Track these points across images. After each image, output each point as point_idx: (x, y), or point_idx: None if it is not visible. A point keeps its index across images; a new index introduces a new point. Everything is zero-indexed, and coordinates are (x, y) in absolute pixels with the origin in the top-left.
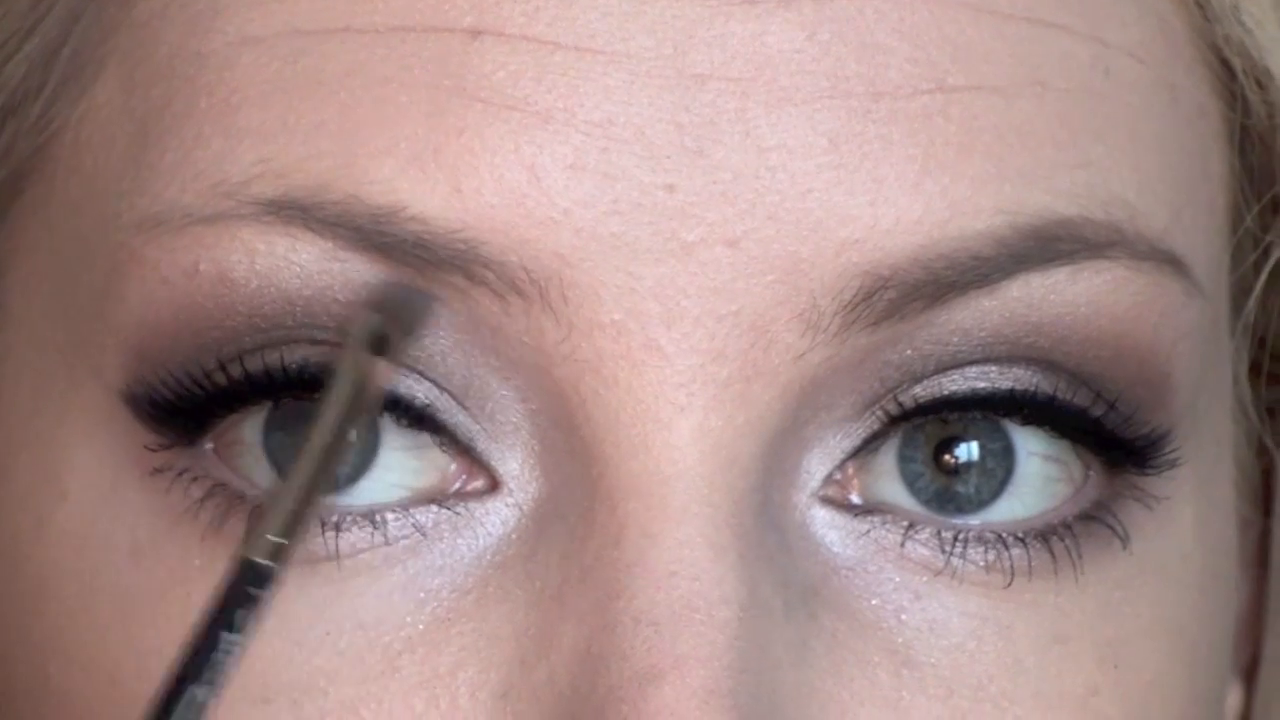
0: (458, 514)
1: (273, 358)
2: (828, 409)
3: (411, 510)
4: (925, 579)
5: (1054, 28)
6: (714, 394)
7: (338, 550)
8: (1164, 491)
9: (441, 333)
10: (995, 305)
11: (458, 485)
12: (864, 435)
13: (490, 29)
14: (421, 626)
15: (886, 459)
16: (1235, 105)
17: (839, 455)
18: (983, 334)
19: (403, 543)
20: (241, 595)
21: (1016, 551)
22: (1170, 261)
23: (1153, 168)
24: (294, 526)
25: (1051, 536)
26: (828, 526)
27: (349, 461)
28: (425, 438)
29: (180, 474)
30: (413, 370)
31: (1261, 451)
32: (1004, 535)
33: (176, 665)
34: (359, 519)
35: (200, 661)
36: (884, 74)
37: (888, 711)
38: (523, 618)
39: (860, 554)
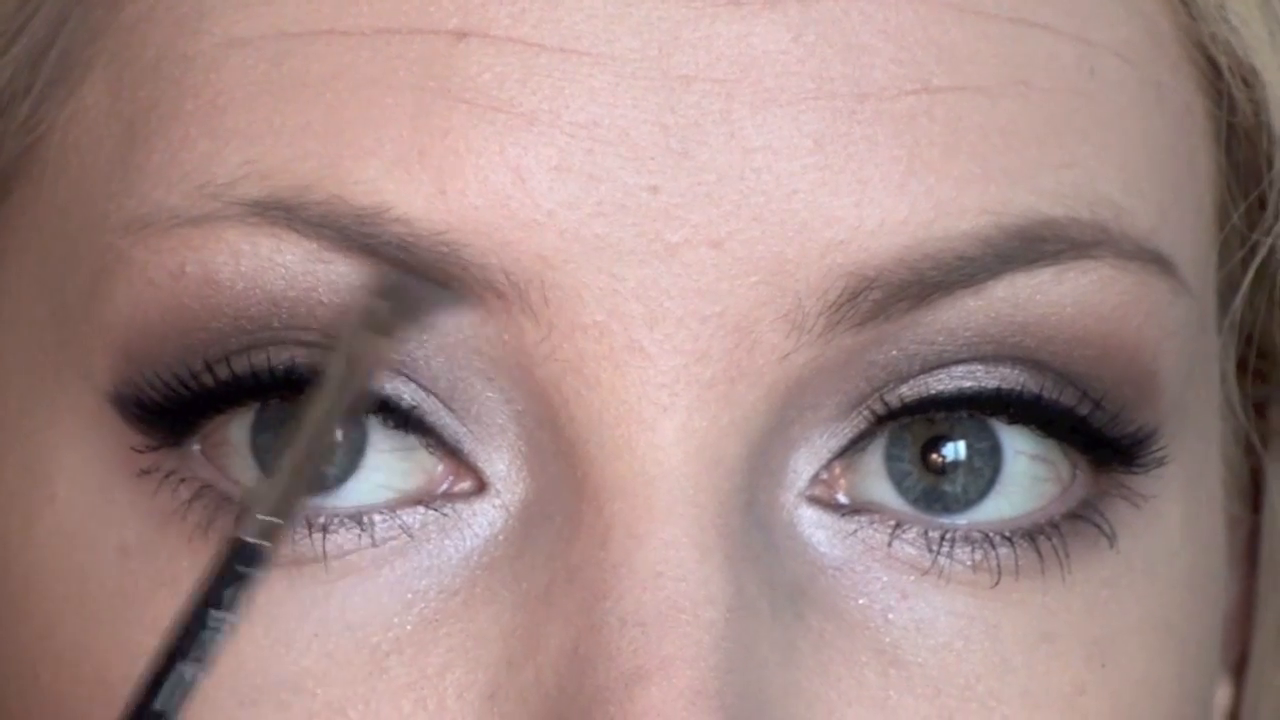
0: (445, 515)
1: (259, 359)
2: (813, 409)
3: (399, 512)
4: (912, 578)
5: (1039, 27)
6: (698, 394)
7: (325, 552)
8: (1151, 490)
9: (426, 335)
10: (981, 305)
11: (445, 487)
12: (851, 435)
13: (475, 31)
14: (409, 628)
15: (873, 458)
16: (1221, 103)
17: (825, 455)
18: (968, 334)
19: (390, 544)
20: (232, 573)
21: (1004, 551)
22: (1157, 261)
23: (1139, 167)
24: (286, 506)
25: (1039, 536)
26: (815, 526)
27: (342, 445)
28: (412, 439)
29: (168, 475)
30: (399, 373)
31: (1250, 448)
32: (991, 535)
33: (165, 642)
34: (346, 521)
35: (189, 639)
36: (869, 75)
37: (875, 711)
38: (510, 619)
39: (847, 554)
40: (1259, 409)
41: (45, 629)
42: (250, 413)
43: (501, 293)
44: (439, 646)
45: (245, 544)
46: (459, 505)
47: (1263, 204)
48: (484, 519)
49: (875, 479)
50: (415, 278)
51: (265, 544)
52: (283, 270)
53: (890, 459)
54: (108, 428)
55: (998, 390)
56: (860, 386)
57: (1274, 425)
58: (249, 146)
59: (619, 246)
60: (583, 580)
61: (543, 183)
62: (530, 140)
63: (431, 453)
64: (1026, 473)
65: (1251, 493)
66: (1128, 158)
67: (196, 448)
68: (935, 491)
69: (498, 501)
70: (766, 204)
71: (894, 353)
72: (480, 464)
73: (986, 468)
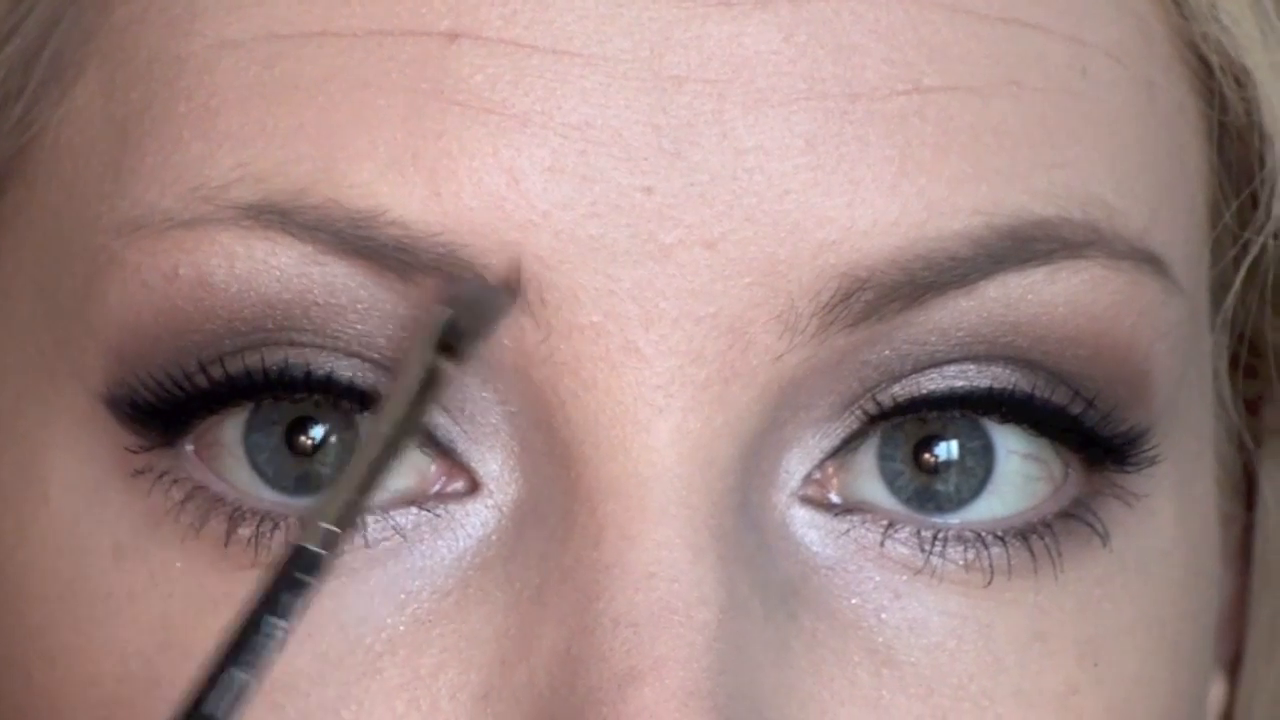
0: (438, 516)
1: (253, 360)
2: (806, 409)
3: (391, 512)
4: (905, 578)
5: (1030, 27)
6: (692, 395)
7: None
8: (1144, 489)
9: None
10: (973, 305)
11: (438, 487)
12: (843, 435)
13: (468, 32)
14: (402, 628)
15: (866, 458)
16: (1213, 102)
17: (818, 455)
18: (960, 334)
19: (383, 545)
20: (290, 580)
21: (996, 550)
22: (1149, 260)
23: (1131, 167)
24: (348, 517)
25: (1031, 535)
26: (807, 526)
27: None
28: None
29: (161, 476)
30: (391, 372)
31: (1243, 446)
32: (983, 534)
33: (221, 647)
34: None
35: (244, 645)
36: (860, 75)
37: (868, 711)
38: (503, 619)
39: (840, 553)
40: (1251, 406)
41: (38, 629)
42: (243, 413)
43: None
44: (432, 647)
45: (306, 551)
46: (452, 506)
47: (1255, 202)
48: (477, 519)
49: (868, 479)
50: (481, 286)
51: (325, 553)
52: (277, 273)
53: (883, 459)
54: (101, 428)
55: (990, 390)
56: (853, 386)
57: (1266, 422)
58: (242, 149)
59: (614, 247)
60: (576, 581)
61: (537, 184)
62: (524, 141)
63: (424, 453)
64: (1019, 472)
65: (1245, 489)
66: (1119, 158)
67: (190, 448)
68: (928, 491)
69: (490, 502)
70: (759, 205)
71: (886, 353)
72: (473, 464)
73: (979, 467)
